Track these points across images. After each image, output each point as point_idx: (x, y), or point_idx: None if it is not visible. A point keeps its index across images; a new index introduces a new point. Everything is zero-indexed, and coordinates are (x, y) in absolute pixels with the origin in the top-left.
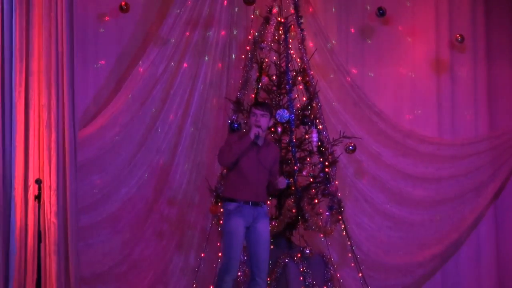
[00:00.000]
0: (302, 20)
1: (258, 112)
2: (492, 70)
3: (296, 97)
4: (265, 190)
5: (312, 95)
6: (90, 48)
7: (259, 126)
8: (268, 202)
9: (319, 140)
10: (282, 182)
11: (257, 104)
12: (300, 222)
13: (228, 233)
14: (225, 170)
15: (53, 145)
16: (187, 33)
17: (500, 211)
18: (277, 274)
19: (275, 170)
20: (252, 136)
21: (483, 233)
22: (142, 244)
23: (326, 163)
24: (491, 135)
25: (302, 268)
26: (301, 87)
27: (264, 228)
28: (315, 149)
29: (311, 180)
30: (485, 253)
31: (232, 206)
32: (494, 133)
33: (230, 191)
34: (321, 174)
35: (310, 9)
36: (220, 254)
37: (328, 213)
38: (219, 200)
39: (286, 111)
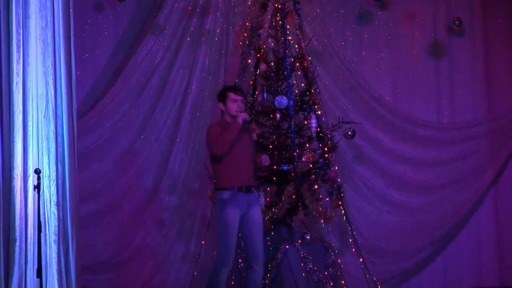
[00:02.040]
0: (299, 6)
1: (239, 98)
2: (490, 54)
3: (294, 83)
4: (254, 173)
5: (310, 81)
6: (88, 37)
7: (242, 112)
8: (268, 188)
9: (318, 125)
10: (265, 159)
11: (235, 89)
12: (300, 208)
13: (225, 224)
14: (213, 162)
15: (51, 134)
16: (184, 21)
17: (500, 194)
18: (278, 260)
19: (254, 150)
20: (240, 121)
21: (483, 217)
22: (142, 233)
23: (326, 149)
24: (490, 118)
25: (303, 254)
26: (299, 73)
27: (257, 214)
28: (314, 135)
29: (311, 166)
30: (486, 237)
31: (226, 194)
32: (492, 116)
33: (223, 181)
34: (321, 160)
35: (318, 11)
36: (221, 245)
37: (328, 198)
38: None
39: (284, 97)
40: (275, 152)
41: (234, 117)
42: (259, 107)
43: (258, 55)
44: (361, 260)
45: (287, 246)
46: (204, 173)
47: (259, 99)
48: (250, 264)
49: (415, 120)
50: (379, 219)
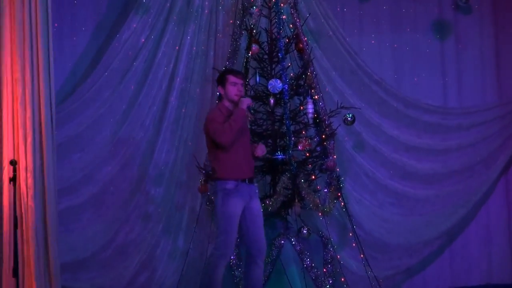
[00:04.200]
0: None
1: (239, 81)
2: (500, 32)
3: (289, 66)
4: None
5: (306, 63)
6: (67, 17)
7: (243, 96)
8: (262, 179)
9: (315, 111)
10: (261, 149)
11: (236, 72)
12: (296, 200)
13: (228, 216)
14: (215, 151)
15: (28, 122)
16: None
17: (511, 184)
18: (272, 256)
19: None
20: (245, 107)
21: (493, 208)
22: (126, 228)
23: (323, 136)
24: (500, 102)
25: (300, 250)
26: (294, 55)
27: (259, 207)
28: (311, 121)
29: (308, 154)
30: (496, 230)
31: (230, 185)
32: (503, 100)
33: (226, 171)
34: (318, 148)
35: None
36: (221, 237)
37: (326, 190)
38: (208, 178)
39: (278, 81)
40: (269, 140)
41: (233, 102)
42: (252, 92)
43: (250, 35)
44: (362, 256)
45: (282, 241)
46: (193, 164)
47: (251, 83)
48: (254, 260)
49: (420, 105)
50: (381, 211)
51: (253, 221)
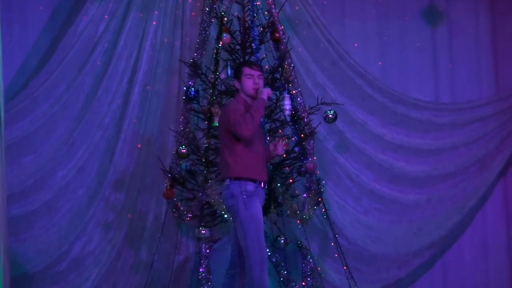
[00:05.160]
0: None
1: (255, 73)
2: (497, 18)
3: (264, 58)
4: None
5: (283, 54)
6: (16, 4)
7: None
8: None
9: (293, 107)
10: (280, 148)
11: (251, 63)
12: (272, 207)
13: (255, 218)
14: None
15: None
16: None
17: (510, 188)
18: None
19: None
20: (265, 97)
21: (490, 215)
22: (84, 238)
23: (302, 135)
24: (498, 96)
25: (276, 261)
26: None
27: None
28: (288, 118)
29: (284, 156)
30: (494, 238)
31: (251, 186)
32: (501, 94)
33: (246, 171)
34: (296, 149)
35: None
36: (254, 244)
37: (305, 195)
38: (175, 183)
39: None
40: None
41: (250, 96)
42: (222, 86)
43: (221, 24)
44: (345, 268)
45: None
46: (158, 166)
47: (222, 76)
48: (238, 272)
49: (409, 100)
50: (367, 218)
51: None
